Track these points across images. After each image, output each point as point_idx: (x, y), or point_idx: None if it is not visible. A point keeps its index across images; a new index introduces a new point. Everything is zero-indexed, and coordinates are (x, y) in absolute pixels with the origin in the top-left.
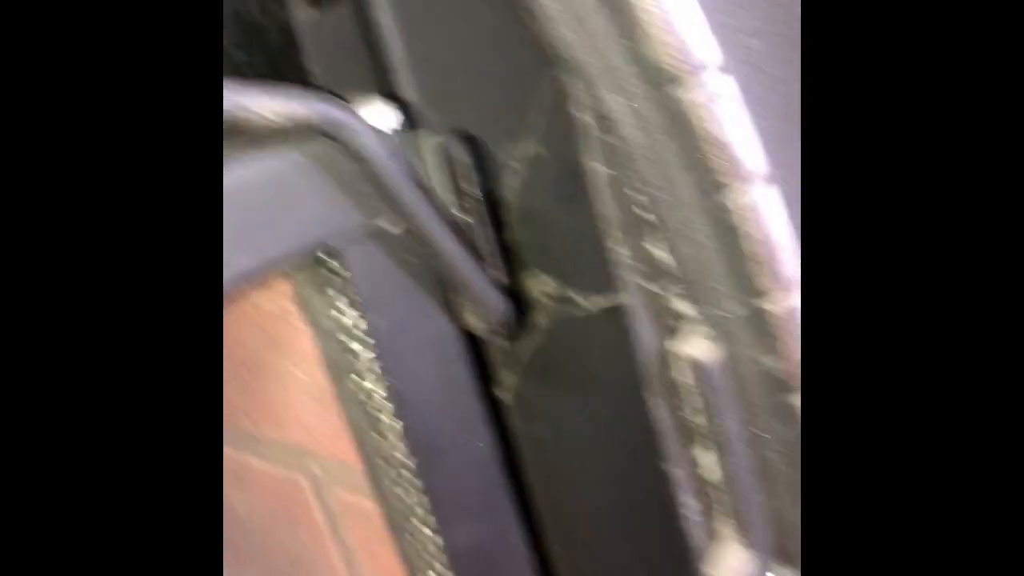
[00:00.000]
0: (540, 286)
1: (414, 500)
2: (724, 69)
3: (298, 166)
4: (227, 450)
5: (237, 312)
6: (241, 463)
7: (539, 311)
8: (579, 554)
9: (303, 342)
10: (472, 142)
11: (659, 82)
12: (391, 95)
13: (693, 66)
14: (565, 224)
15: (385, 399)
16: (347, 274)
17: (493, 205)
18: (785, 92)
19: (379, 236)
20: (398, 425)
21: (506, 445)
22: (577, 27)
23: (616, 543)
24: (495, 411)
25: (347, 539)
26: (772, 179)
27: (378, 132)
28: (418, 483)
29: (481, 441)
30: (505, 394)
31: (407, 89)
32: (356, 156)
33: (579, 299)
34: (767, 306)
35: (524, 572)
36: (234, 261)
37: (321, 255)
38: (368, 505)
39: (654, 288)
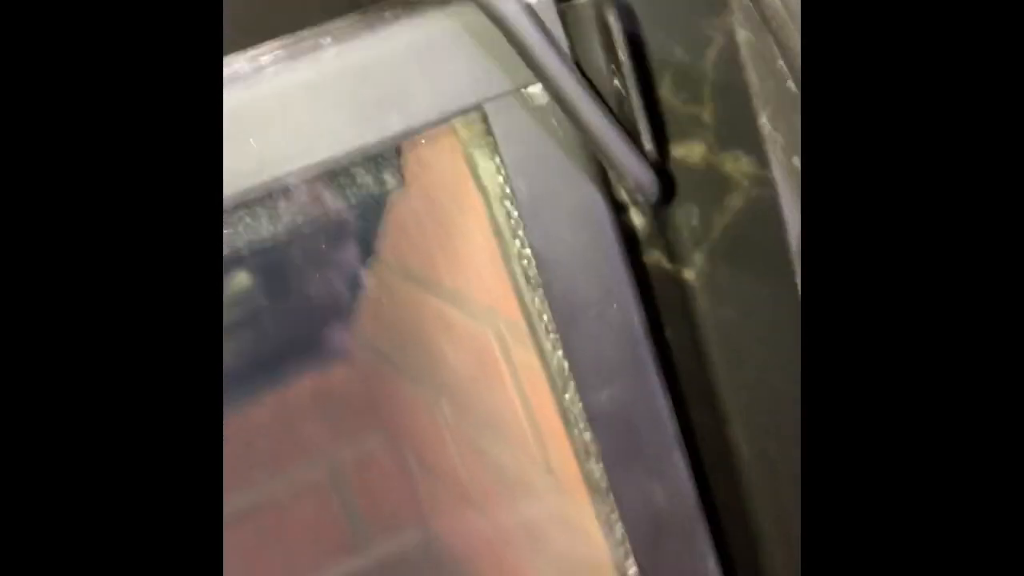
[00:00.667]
0: (735, 164)
1: (561, 361)
2: None
3: (446, 30)
4: (438, 302)
5: (427, 171)
6: (448, 316)
7: (733, 190)
8: (759, 437)
9: (476, 202)
10: (630, 11)
11: None
12: None
13: None
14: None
15: (529, 265)
16: (495, 137)
17: (650, 76)
18: None
19: (527, 103)
20: (540, 292)
21: (691, 326)
22: None
23: (767, 408)
24: (668, 287)
25: (526, 392)
26: None
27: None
28: (560, 348)
29: (624, 308)
30: (690, 274)
31: None
32: (498, 23)
33: (776, 178)
34: None
35: (668, 442)
36: (387, 123)
37: (480, 118)
38: (536, 362)
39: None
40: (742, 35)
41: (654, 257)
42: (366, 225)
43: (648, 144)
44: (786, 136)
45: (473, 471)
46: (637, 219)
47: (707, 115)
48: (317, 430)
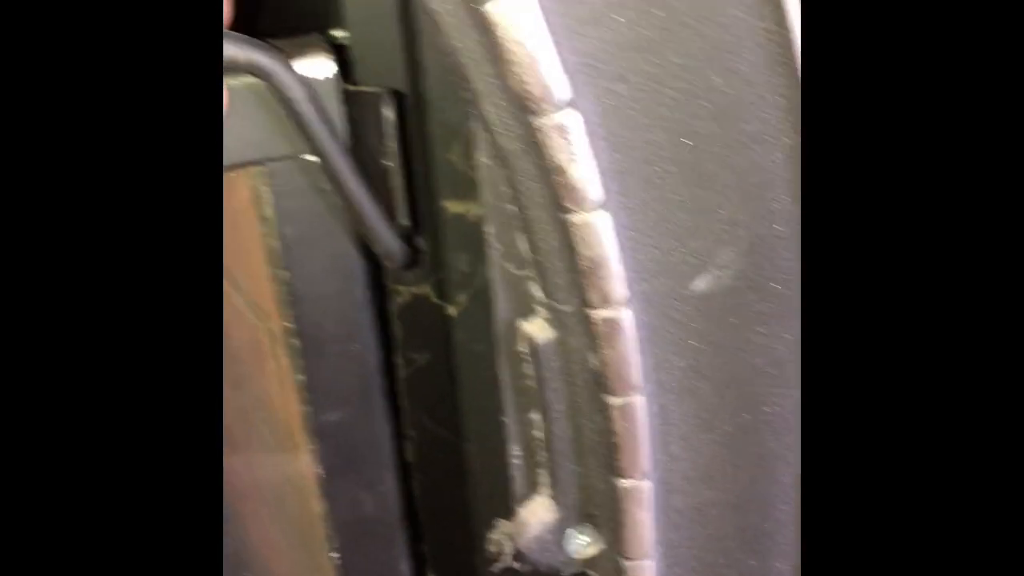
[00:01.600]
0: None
1: (303, 381)
2: (573, 105)
3: (242, 94)
4: (239, 301)
5: (231, 191)
6: (240, 309)
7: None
8: (488, 455)
9: (256, 231)
10: (402, 101)
11: (519, 107)
12: (336, 47)
13: (545, 99)
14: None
15: (288, 294)
16: (271, 190)
17: (409, 160)
18: (644, 130)
19: (305, 165)
20: (291, 321)
21: (448, 354)
22: (461, 41)
23: (464, 436)
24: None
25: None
26: (606, 206)
27: (303, 79)
28: (303, 368)
29: (365, 346)
30: (453, 310)
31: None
32: (279, 95)
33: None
34: (591, 312)
35: (384, 461)
36: None
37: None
38: (288, 373)
39: (514, 271)
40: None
41: (425, 290)
42: None
43: (404, 219)
44: (505, 246)
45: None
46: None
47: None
48: None
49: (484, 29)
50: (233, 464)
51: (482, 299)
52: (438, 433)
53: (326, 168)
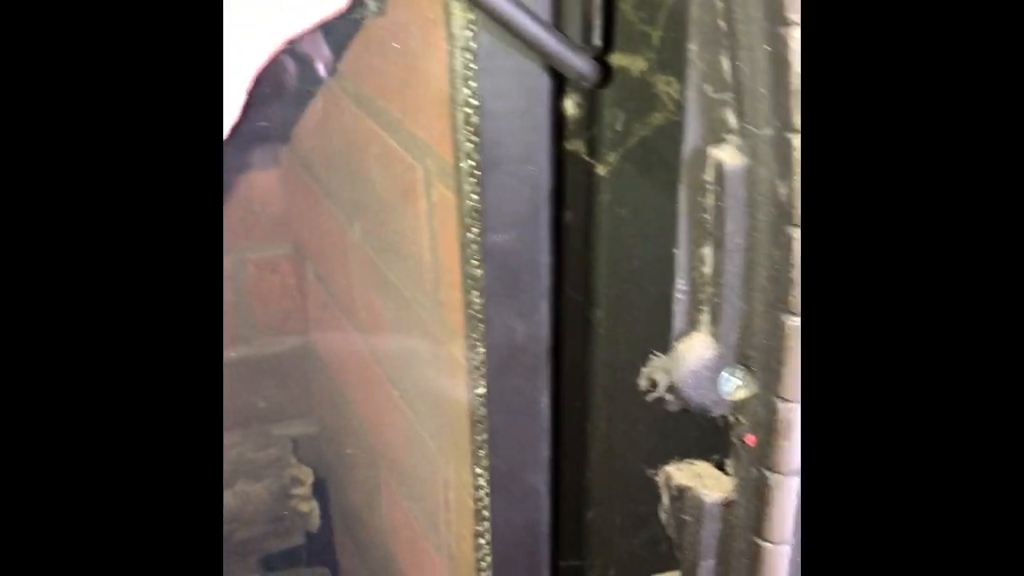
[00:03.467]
0: (666, 86)
1: (475, 202)
2: None
3: None
4: (380, 131)
5: (407, 7)
6: (387, 144)
7: (659, 109)
8: (616, 319)
9: (441, 47)
10: None
11: None
12: None
13: None
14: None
15: (473, 113)
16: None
17: None
18: None
19: None
20: (475, 139)
21: (590, 214)
22: None
23: (632, 301)
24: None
25: (435, 227)
26: None
27: None
28: (477, 190)
29: (539, 170)
30: (602, 169)
31: None
32: None
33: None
34: (791, 137)
35: (540, 290)
36: None
37: None
38: (452, 200)
39: (711, 94)
40: None
41: (576, 146)
42: (337, 43)
43: (597, 40)
44: (707, 66)
45: (366, 292)
46: (571, 108)
47: (656, 37)
48: (229, 226)
49: None
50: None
51: (633, 161)
52: (568, 295)
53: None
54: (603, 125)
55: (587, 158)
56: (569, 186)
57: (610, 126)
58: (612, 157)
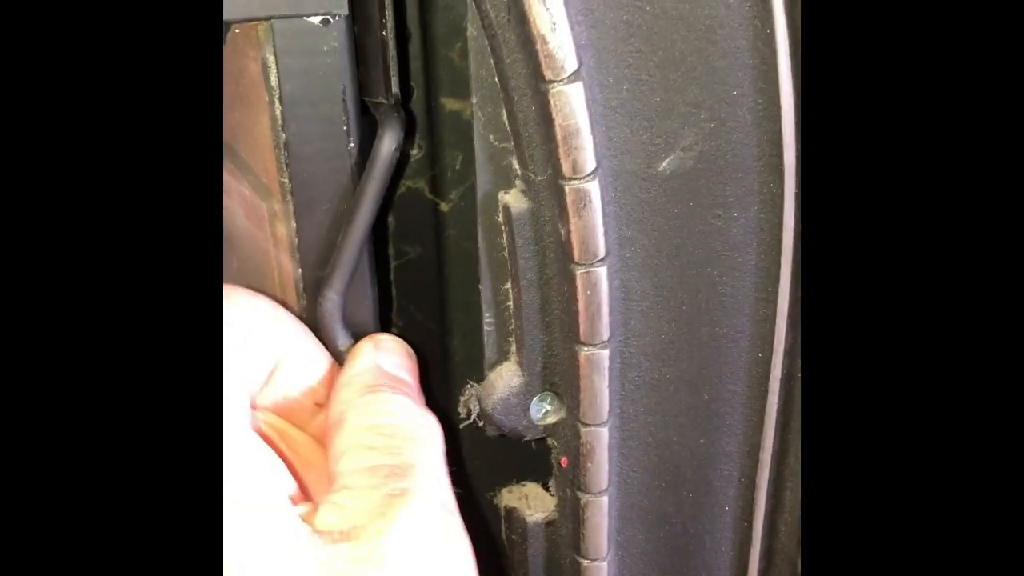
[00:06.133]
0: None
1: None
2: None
3: None
4: (237, 177)
5: (238, 61)
6: (240, 188)
7: None
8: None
9: (262, 97)
10: None
11: None
12: None
13: None
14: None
15: (287, 157)
16: (275, 47)
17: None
18: (619, 9)
19: (307, 25)
20: (289, 182)
21: (438, 248)
22: None
23: (447, 329)
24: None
25: (280, 264)
26: (581, 78)
27: None
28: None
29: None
30: (445, 206)
31: None
32: None
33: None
34: (562, 183)
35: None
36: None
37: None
38: (285, 239)
39: (496, 142)
40: (471, 31)
41: (419, 184)
42: None
43: (394, 88)
44: (487, 118)
45: None
46: (412, 149)
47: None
48: None
49: None
50: None
51: (472, 197)
52: (424, 324)
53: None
54: (444, 165)
55: (430, 196)
56: (412, 223)
57: (450, 166)
58: (453, 195)
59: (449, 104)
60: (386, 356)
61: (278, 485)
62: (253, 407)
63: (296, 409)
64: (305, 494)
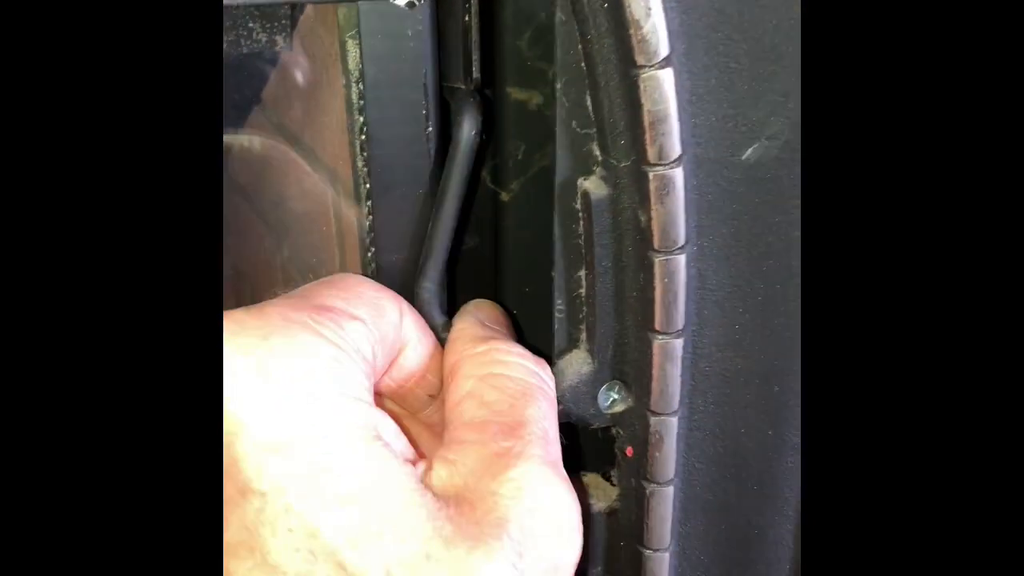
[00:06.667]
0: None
1: (370, 225)
2: None
3: None
4: (297, 159)
5: (309, 43)
6: (301, 169)
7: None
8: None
9: (338, 80)
10: None
11: None
12: None
13: None
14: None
15: (365, 140)
16: (360, 30)
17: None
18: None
19: (392, 8)
20: (367, 165)
21: (496, 237)
22: None
23: (533, 320)
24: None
25: (344, 247)
26: (672, 64)
27: None
28: (372, 212)
29: (428, 194)
30: (506, 196)
31: None
32: None
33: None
34: (646, 169)
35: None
36: None
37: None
38: (354, 223)
39: (578, 129)
40: (559, 16)
41: (481, 174)
42: (258, 77)
43: (476, 72)
44: (572, 103)
45: None
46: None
47: (551, 73)
48: None
49: None
50: None
51: (533, 187)
52: None
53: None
54: (506, 155)
55: (491, 185)
56: (476, 211)
57: (512, 155)
58: (515, 185)
59: (514, 93)
60: (488, 313)
61: (401, 457)
62: (378, 392)
63: (410, 398)
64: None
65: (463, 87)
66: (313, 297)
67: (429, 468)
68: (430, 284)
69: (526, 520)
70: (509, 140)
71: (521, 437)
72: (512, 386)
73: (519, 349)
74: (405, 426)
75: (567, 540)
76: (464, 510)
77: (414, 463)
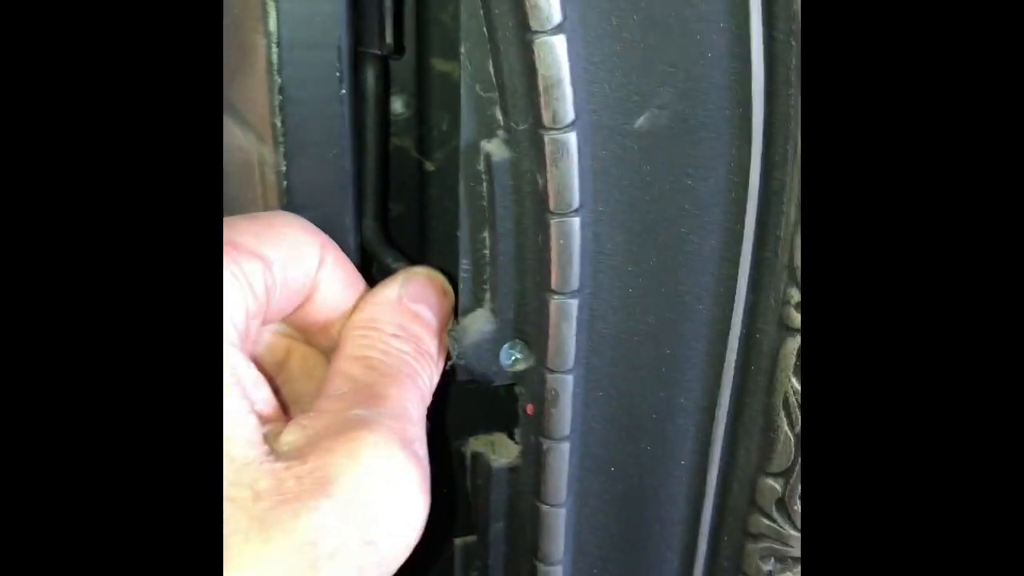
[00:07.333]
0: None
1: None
2: None
3: None
4: (232, 125)
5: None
6: (234, 135)
7: None
8: None
9: (261, 43)
10: None
11: None
12: None
13: None
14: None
15: (282, 100)
16: None
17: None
18: None
19: None
20: (282, 124)
21: (420, 207)
22: None
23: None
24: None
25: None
26: (565, 31)
27: None
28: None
29: (342, 156)
30: (431, 165)
31: None
32: None
33: None
34: (542, 132)
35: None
36: None
37: None
38: (273, 187)
39: (481, 92)
40: None
41: (405, 142)
42: None
43: (388, 38)
44: (475, 67)
45: None
46: (400, 108)
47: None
48: None
49: None
50: None
51: (457, 157)
52: None
53: None
54: (431, 125)
55: (416, 155)
56: (396, 181)
57: (436, 126)
58: (439, 154)
59: (439, 65)
60: (412, 289)
61: (247, 399)
62: (267, 323)
63: (320, 338)
64: (287, 414)
65: (378, 52)
66: (229, 230)
67: (282, 430)
68: (371, 222)
69: (354, 486)
70: (434, 111)
71: (375, 407)
72: (384, 369)
73: (401, 340)
74: (300, 358)
75: (397, 520)
76: (293, 466)
77: (269, 418)
